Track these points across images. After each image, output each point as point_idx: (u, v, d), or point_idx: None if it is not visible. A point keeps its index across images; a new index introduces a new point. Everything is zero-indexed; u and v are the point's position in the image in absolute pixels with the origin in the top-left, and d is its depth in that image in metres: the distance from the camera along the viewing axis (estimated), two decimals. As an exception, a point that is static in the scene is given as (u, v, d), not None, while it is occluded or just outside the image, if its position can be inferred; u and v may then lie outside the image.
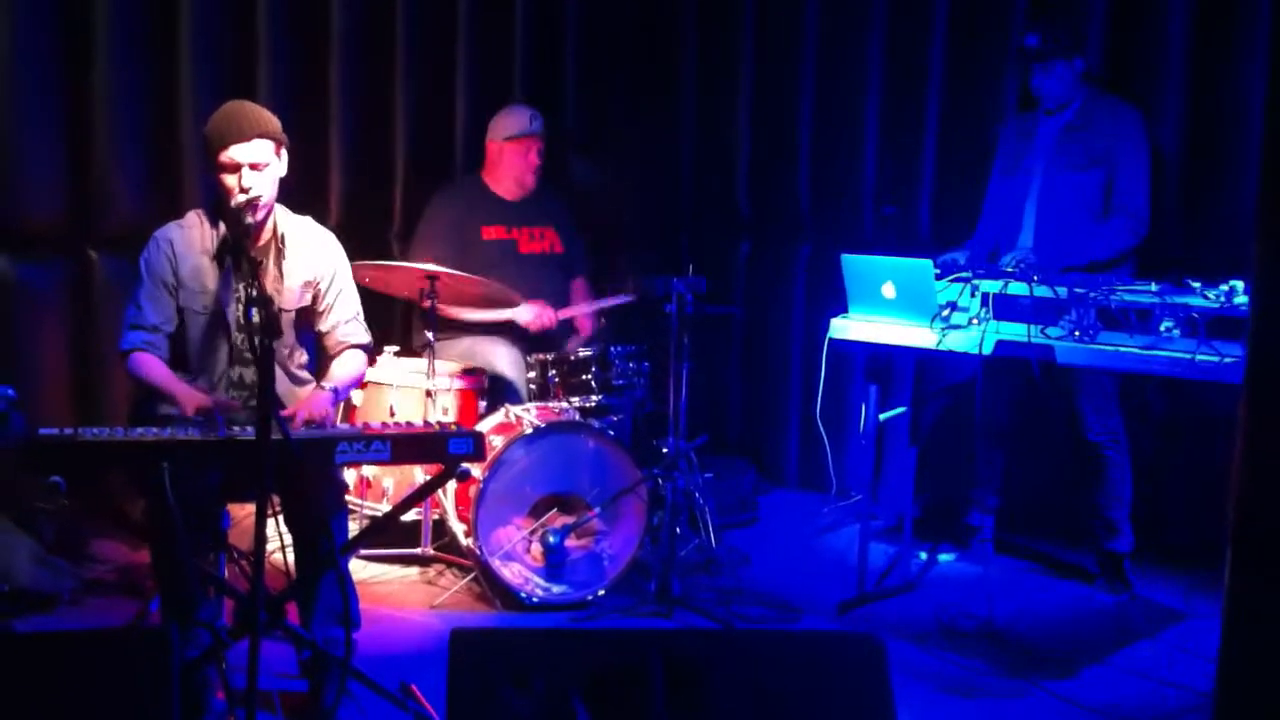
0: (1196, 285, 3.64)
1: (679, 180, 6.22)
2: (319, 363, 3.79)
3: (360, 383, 3.86)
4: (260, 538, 2.72)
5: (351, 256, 3.91)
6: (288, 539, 3.39)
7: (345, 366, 3.69)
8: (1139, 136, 4.35)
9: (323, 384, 3.59)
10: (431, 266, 4.36)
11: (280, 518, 3.36)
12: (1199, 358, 3.45)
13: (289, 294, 3.62)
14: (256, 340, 2.75)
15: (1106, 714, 3.52)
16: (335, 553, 3.30)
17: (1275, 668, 1.50)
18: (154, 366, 3.49)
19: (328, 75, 5.15)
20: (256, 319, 2.78)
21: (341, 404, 4.62)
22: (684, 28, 6.16)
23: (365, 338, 3.77)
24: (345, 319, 3.72)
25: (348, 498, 4.56)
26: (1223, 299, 3.51)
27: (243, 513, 3.91)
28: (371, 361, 4.61)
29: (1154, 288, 3.71)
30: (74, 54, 4.49)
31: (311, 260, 3.67)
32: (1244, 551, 1.50)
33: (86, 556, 4.35)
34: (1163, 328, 3.58)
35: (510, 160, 5.07)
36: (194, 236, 3.59)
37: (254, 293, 2.85)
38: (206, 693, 3.22)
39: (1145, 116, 4.39)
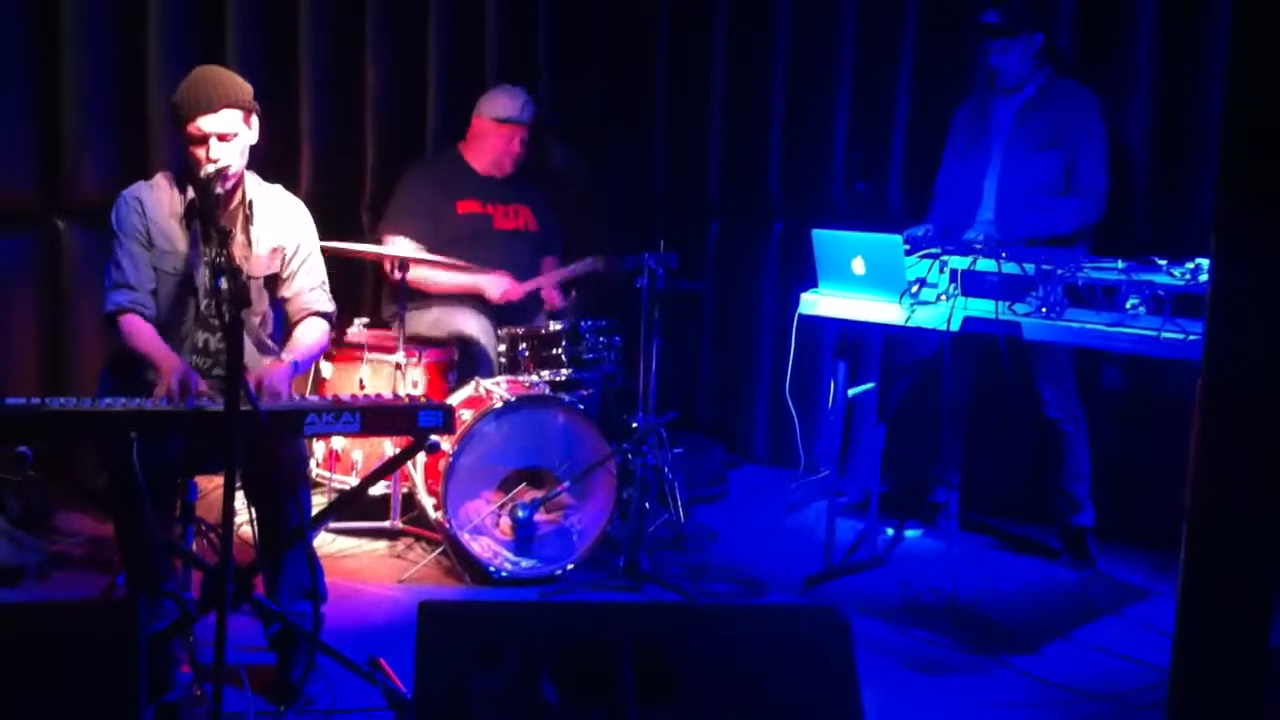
0: (1163, 263, 3.66)
1: (651, 160, 6.22)
2: (283, 329, 3.77)
3: (323, 352, 3.83)
4: (229, 510, 2.71)
5: (322, 227, 3.89)
6: (251, 512, 3.38)
7: (307, 336, 3.64)
8: (1095, 118, 4.38)
9: (283, 355, 3.56)
10: (402, 252, 4.35)
11: (243, 490, 3.34)
12: (1164, 335, 3.48)
13: (257, 261, 3.59)
14: (225, 310, 2.73)
15: (1069, 689, 3.56)
16: (305, 527, 3.29)
17: (1229, 645, 1.53)
18: (140, 329, 3.42)
19: (298, 46, 5.11)
20: (225, 288, 2.76)
21: (308, 374, 4.64)
22: (658, 6, 6.14)
23: (328, 306, 3.73)
24: (309, 286, 3.68)
25: (317, 471, 4.57)
26: (1188, 277, 3.54)
27: (211, 485, 3.90)
28: (340, 330, 4.61)
29: (1120, 265, 3.74)
30: (42, 22, 4.43)
31: (279, 228, 3.65)
32: (1200, 530, 1.53)
33: (52, 529, 4.32)
34: (1129, 305, 3.60)
35: (493, 143, 5.05)
36: (162, 198, 3.56)
37: (223, 262, 2.83)
38: (173, 666, 3.21)
39: (1102, 98, 4.42)
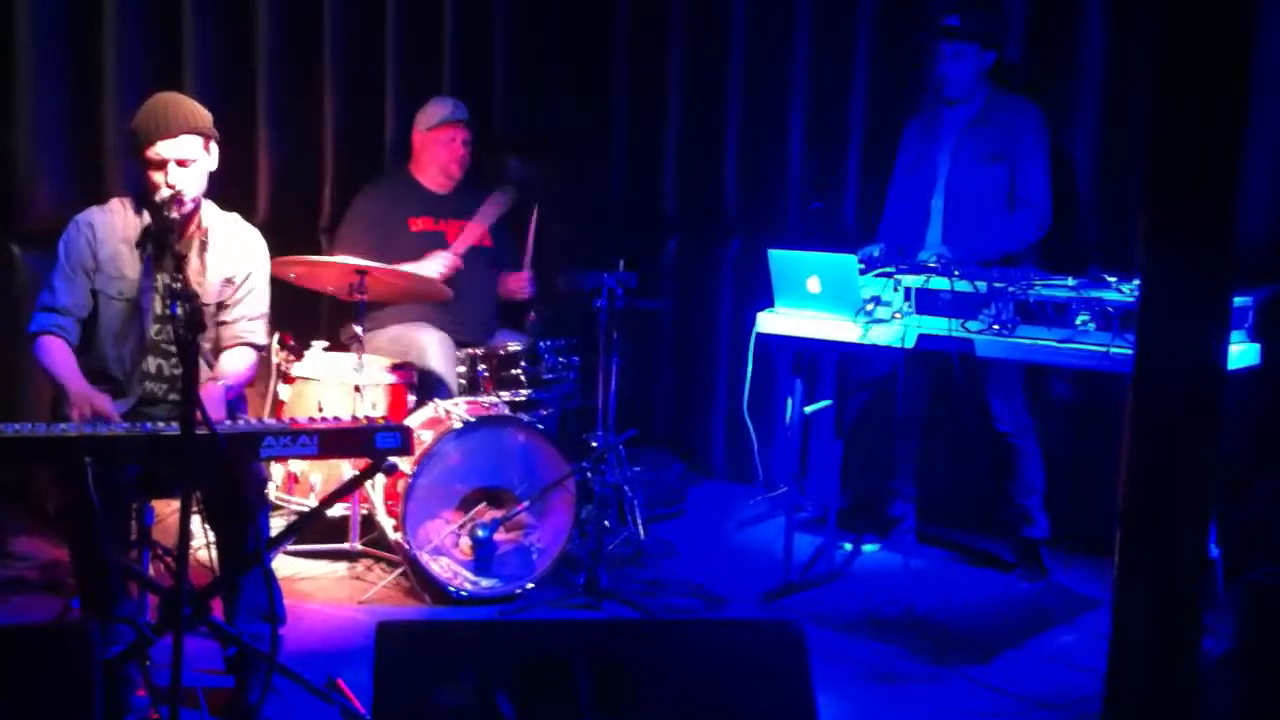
0: (1112, 280, 3.73)
1: (608, 179, 6.25)
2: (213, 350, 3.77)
3: (248, 382, 3.83)
4: (184, 533, 2.71)
5: (279, 251, 3.88)
6: (211, 535, 3.37)
7: (236, 363, 3.63)
8: (1039, 132, 4.46)
9: (214, 377, 3.55)
10: (360, 261, 4.34)
11: (202, 514, 3.34)
12: (1113, 350, 3.54)
13: (210, 288, 3.60)
14: (181, 334, 2.73)
15: (1023, 698, 3.60)
16: (261, 549, 3.29)
17: (1163, 640, 1.57)
18: (57, 353, 3.43)
19: (255, 68, 5.10)
20: (180, 313, 2.77)
21: (265, 396, 4.63)
22: (613, 26, 6.19)
23: (262, 340, 3.73)
24: (250, 316, 3.67)
25: (276, 494, 4.55)
26: (1136, 293, 3.59)
27: (167, 509, 3.88)
28: (298, 353, 4.61)
29: (1070, 282, 3.80)
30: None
31: (234, 256, 3.65)
32: (1132, 531, 1.58)
33: (7, 554, 4.29)
34: (1078, 321, 3.66)
35: (435, 150, 5.06)
36: (116, 222, 3.56)
37: (178, 287, 2.83)
38: (129, 690, 3.20)
39: (1046, 112, 4.50)
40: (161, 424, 3.13)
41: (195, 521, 2.95)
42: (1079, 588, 4.50)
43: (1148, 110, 4.45)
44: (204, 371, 3.57)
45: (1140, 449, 1.56)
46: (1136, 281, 3.62)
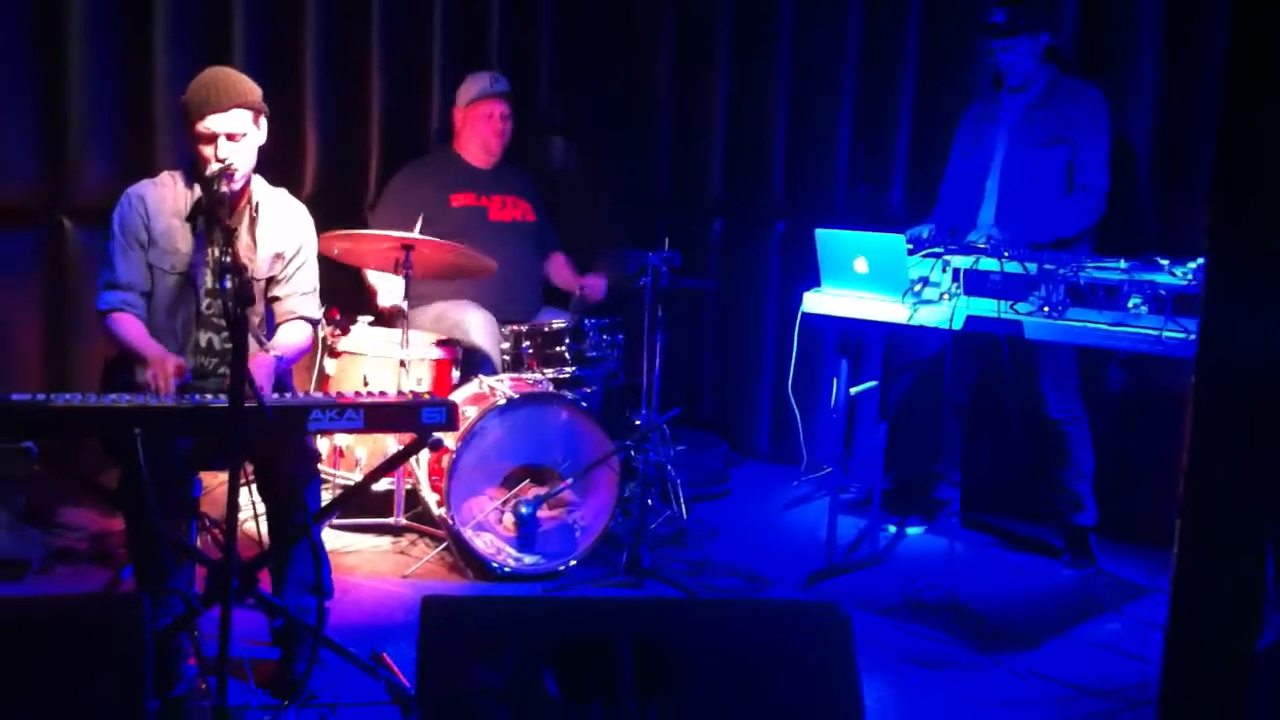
0: (1164, 262, 3.67)
1: (655, 158, 6.23)
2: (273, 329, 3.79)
3: (303, 355, 3.85)
4: (233, 505, 2.73)
5: (326, 228, 3.90)
6: (260, 507, 3.40)
7: (291, 337, 3.66)
8: (1100, 115, 4.38)
9: (268, 348, 3.58)
10: (407, 235, 4.35)
11: (253, 486, 3.36)
12: (1166, 334, 3.49)
13: (261, 263, 3.62)
14: (231, 307, 2.75)
15: (1068, 685, 3.58)
16: (309, 522, 3.31)
17: (1220, 629, 1.55)
18: (132, 326, 3.46)
19: (303, 47, 5.12)
20: (230, 287, 2.78)
21: (312, 371, 4.66)
22: (661, 6, 6.16)
23: (315, 313, 3.75)
24: (301, 291, 3.70)
25: (321, 467, 4.58)
26: (1190, 276, 3.54)
27: (215, 481, 3.92)
28: (344, 328, 4.63)
29: (1123, 264, 3.74)
30: (47, 21, 4.45)
31: (283, 232, 3.67)
32: (1193, 523, 1.55)
33: (57, 525, 4.34)
34: (1131, 304, 3.61)
35: (475, 125, 5.08)
36: (166, 196, 3.57)
37: (228, 260, 2.84)
38: (178, 660, 3.23)
39: (1107, 96, 4.43)
40: (210, 396, 3.15)
41: (243, 494, 2.96)
42: (1127, 575, 4.46)
43: (1210, 95, 4.43)
44: (253, 347, 3.59)
45: (1203, 438, 1.54)
46: (1190, 265, 3.57)
